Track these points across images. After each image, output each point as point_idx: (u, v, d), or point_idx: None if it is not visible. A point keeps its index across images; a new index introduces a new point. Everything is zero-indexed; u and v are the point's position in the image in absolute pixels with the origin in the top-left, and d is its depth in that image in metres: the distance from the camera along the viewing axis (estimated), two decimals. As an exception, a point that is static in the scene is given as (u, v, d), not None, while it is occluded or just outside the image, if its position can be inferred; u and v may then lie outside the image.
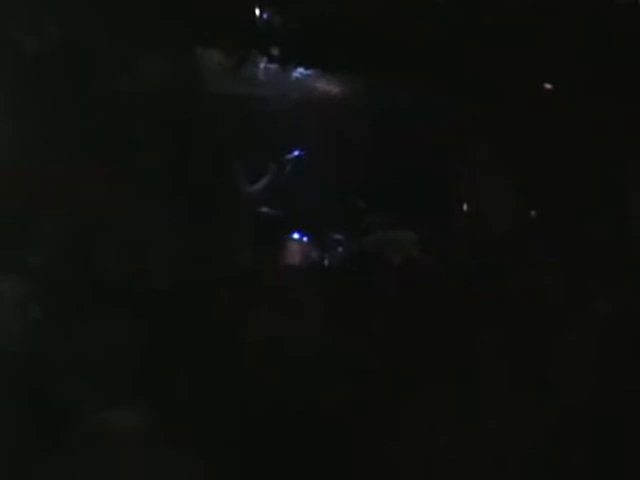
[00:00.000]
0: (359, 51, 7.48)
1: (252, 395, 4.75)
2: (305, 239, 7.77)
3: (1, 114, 6.09)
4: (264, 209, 7.87)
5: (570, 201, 6.57)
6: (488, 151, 7.17)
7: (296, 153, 8.04)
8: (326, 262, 7.69)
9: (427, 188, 7.52)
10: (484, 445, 4.36)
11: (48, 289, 5.23)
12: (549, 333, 4.74)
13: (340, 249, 7.75)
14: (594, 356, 4.62)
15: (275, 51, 7.77)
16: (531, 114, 6.85)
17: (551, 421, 4.38)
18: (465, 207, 7.38)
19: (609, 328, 4.73)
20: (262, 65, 7.86)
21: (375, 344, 5.14)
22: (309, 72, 8.06)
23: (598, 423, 4.38)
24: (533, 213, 6.79)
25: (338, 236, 7.82)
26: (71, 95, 6.47)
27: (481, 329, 4.80)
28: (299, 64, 7.97)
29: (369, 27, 7.34)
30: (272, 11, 7.55)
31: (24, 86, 6.10)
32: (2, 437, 3.97)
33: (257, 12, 7.69)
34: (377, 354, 5.04)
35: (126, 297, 5.30)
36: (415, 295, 5.32)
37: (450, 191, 7.59)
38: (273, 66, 7.85)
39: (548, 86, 7.03)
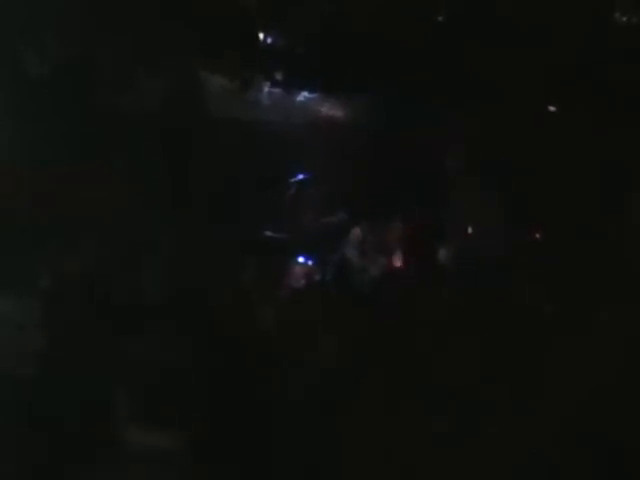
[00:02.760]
0: (364, 73, 7.52)
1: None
2: (310, 262, 7.73)
3: (4, 132, 6.11)
4: (268, 233, 7.85)
5: (569, 215, 6.57)
6: (489, 166, 7.18)
7: (300, 177, 8.02)
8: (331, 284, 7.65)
9: (432, 208, 7.52)
10: (484, 456, 4.33)
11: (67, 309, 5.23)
12: (547, 345, 4.72)
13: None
14: (594, 367, 4.59)
15: (279, 75, 7.81)
16: (531, 130, 6.86)
17: (551, 432, 4.34)
18: (466, 225, 7.36)
19: (608, 339, 4.70)
20: (266, 89, 7.90)
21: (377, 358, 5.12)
22: (313, 95, 8.08)
23: (599, 433, 4.34)
24: (531, 226, 6.79)
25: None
26: (71, 118, 6.50)
27: (478, 340, 4.79)
28: (303, 88, 7.99)
29: (374, 48, 7.38)
30: (276, 34, 7.61)
31: (26, 103, 6.14)
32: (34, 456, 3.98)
33: (260, 36, 7.74)
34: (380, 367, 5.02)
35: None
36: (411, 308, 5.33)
37: (454, 211, 7.56)
38: (277, 90, 7.89)
39: (551, 102, 7.04)
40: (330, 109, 8.10)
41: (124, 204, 6.39)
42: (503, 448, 4.26)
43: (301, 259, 7.73)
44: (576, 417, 4.37)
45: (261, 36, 7.73)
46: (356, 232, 7.48)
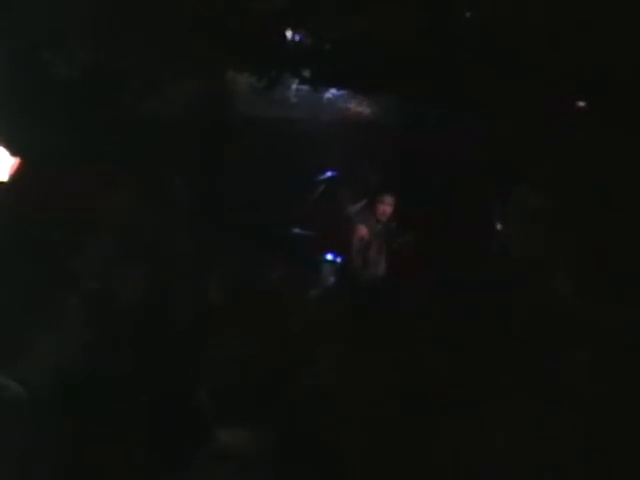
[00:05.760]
0: (390, 71, 7.51)
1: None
2: (339, 260, 7.73)
3: (36, 140, 6.15)
4: (298, 230, 7.86)
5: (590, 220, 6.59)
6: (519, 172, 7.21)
7: (329, 174, 8.02)
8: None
9: (457, 204, 7.55)
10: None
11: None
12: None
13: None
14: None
15: (306, 72, 7.83)
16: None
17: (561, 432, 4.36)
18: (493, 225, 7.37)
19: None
20: (294, 87, 7.93)
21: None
22: (341, 93, 8.10)
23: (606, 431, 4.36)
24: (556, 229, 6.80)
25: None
26: (104, 119, 6.55)
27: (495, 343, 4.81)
28: (330, 85, 8.01)
29: (399, 47, 7.37)
30: (303, 33, 7.62)
31: (57, 107, 6.19)
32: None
33: (288, 35, 7.75)
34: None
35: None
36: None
37: (479, 209, 7.56)
38: (305, 87, 7.91)
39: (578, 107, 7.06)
40: (358, 106, 8.12)
41: (154, 209, 6.43)
42: (507, 449, 4.28)
43: (330, 256, 7.73)
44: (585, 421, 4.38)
45: (289, 34, 7.74)
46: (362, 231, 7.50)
